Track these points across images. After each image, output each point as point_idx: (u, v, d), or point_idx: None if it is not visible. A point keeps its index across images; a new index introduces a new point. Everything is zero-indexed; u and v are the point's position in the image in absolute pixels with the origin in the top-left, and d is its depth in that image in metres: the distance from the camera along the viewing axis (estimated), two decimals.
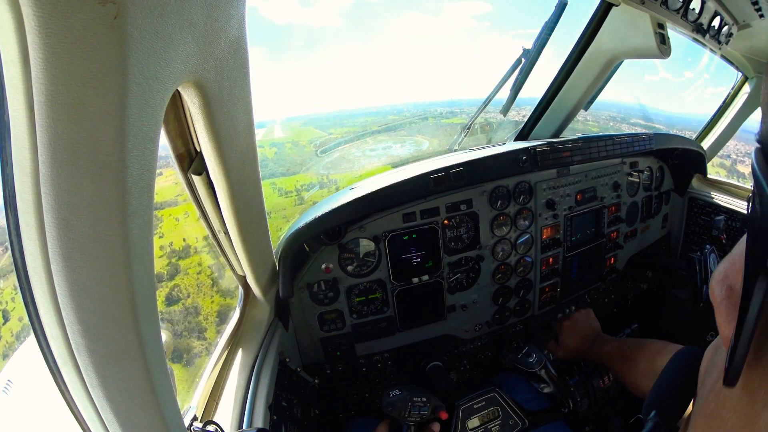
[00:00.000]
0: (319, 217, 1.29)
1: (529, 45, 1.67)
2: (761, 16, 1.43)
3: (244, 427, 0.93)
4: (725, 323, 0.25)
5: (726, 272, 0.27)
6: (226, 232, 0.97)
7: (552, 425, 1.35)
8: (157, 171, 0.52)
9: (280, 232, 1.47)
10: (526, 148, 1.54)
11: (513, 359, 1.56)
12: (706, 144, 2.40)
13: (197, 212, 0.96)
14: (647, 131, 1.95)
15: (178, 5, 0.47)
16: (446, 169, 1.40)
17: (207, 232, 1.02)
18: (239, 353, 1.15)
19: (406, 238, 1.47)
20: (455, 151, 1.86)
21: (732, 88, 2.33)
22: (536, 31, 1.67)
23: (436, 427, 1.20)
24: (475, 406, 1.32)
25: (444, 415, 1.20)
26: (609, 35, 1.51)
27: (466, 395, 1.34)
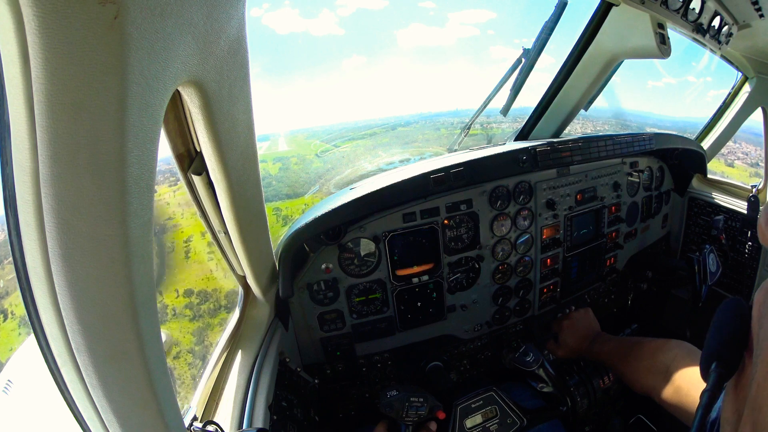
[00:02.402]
0: (319, 217, 1.29)
1: (529, 45, 1.67)
2: (761, 16, 1.43)
3: (244, 427, 0.93)
4: None
5: None
6: (226, 232, 0.97)
7: (549, 424, 1.35)
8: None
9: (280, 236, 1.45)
10: (526, 148, 1.54)
11: (512, 359, 1.56)
12: (706, 144, 2.40)
13: (197, 212, 0.96)
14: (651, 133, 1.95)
15: (178, 5, 0.47)
16: (446, 169, 1.40)
17: (207, 232, 1.02)
18: (239, 353, 1.15)
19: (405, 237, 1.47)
20: (455, 150, 1.86)
21: (732, 88, 2.32)
22: None
23: (434, 426, 1.20)
24: (473, 405, 1.32)
25: (441, 415, 1.20)
26: (609, 35, 1.50)
27: (465, 395, 1.34)
